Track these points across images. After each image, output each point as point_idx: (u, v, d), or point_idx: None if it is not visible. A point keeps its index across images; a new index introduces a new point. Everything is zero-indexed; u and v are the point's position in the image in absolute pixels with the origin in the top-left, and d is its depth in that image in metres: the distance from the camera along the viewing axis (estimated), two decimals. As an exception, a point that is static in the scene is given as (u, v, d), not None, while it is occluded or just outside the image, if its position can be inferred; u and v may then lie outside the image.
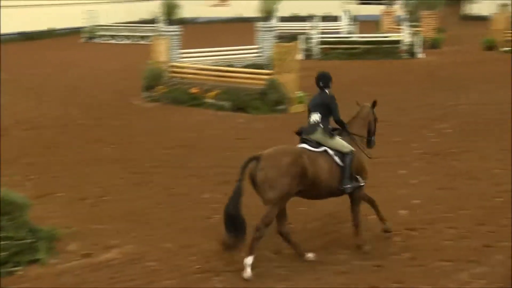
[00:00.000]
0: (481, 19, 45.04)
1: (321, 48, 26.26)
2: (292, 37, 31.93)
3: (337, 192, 7.47)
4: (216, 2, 50.19)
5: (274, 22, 23.99)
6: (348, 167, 7.37)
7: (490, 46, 27.95)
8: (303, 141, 7.53)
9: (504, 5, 38.04)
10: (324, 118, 7.57)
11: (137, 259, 7.53)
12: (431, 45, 29.37)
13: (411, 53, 26.14)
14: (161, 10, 19.43)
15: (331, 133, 7.50)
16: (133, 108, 16.43)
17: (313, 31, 26.48)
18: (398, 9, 39.00)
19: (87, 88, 19.43)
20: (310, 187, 7.19)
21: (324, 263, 7.35)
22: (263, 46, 21.41)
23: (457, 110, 15.73)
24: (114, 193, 9.82)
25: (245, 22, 40.18)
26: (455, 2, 49.74)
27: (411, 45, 26.25)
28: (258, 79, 16.32)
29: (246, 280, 6.91)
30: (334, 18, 40.31)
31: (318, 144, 7.45)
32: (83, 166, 11.23)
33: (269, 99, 15.71)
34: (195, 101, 16.49)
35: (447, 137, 13.09)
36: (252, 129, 13.98)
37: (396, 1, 41.72)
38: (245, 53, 21.36)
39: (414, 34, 26.51)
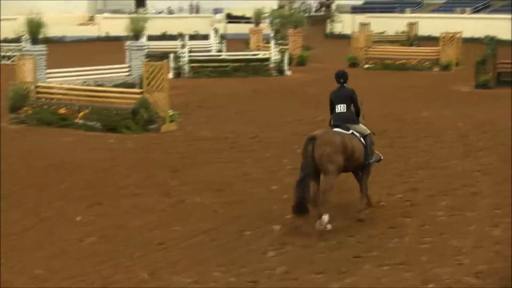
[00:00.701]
0: (344, 38, 46.88)
1: (191, 67, 26.35)
2: (162, 56, 31.75)
3: (361, 166, 9.18)
4: (83, 21, 49.17)
5: (143, 41, 23.79)
6: (370, 146, 9.22)
7: (353, 63, 29.13)
8: (336, 126, 9.25)
9: (364, 24, 39.92)
10: (349, 107, 9.40)
11: (5, 288, 7.16)
12: (298, 62, 30.23)
13: (280, 71, 26.74)
14: (26, 28, 18.71)
15: (357, 119, 9.37)
16: (-3, 130, 15.72)
17: (182, 50, 26.52)
18: (266, 28, 39.89)
19: None
20: (348, 161, 8.84)
21: None
22: (133, 65, 21.12)
23: (324, 125, 16.19)
24: (-21, 220, 9.31)
25: (114, 41, 39.56)
26: (319, 21, 51.53)
27: (279, 62, 26.86)
28: (129, 98, 16.10)
29: (328, 230, 8.55)
30: (204, 37, 40.53)
31: (347, 128, 9.16)
32: None
33: (140, 118, 15.53)
34: (64, 122, 16.01)
35: (316, 152, 13.45)
36: (124, 149, 13.77)
37: (263, 20, 42.68)
38: (115, 72, 21.00)
39: (281, 52, 27.17)
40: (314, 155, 8.70)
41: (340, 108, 9.44)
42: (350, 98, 9.49)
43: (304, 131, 15.43)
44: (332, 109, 9.56)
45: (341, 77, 9.65)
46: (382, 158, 9.73)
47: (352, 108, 9.48)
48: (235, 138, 14.86)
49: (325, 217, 8.63)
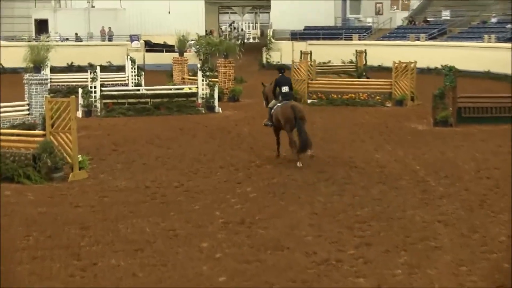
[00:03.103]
0: (286, 68, 47.42)
1: (104, 103, 26.20)
2: (68, 91, 31.58)
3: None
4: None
5: (46, 73, 23.62)
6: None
7: (295, 98, 29.46)
8: (286, 100, 17.24)
9: (305, 53, 40.65)
10: (291, 89, 17.70)
11: None
12: (230, 97, 30.47)
13: (209, 107, 26.89)
14: None
15: (294, 96, 18.48)
16: None
17: (93, 84, 26.32)
18: (191, 57, 40.14)
19: None
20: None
21: None
22: (33, 102, 20.89)
23: (260, 171, 16.34)
24: None
25: (10, 73, 39.15)
26: (254, 49, 52.16)
27: (208, 97, 27.01)
28: (29, 142, 15.87)
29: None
30: (118, 68, 40.45)
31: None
32: None
33: (43, 166, 15.30)
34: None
35: (252, 202, 13.51)
36: (23, 203, 13.49)
37: (188, 48, 42.92)
38: (11, 111, 20.72)
39: (210, 85, 27.29)
40: (296, 116, 16.72)
41: (286, 89, 17.45)
42: (290, 83, 17.89)
43: (238, 178, 15.55)
44: (276, 90, 17.76)
45: (282, 68, 18.42)
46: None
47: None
48: (157, 187, 14.80)
49: (310, 152, 16.69)
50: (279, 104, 17.33)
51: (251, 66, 47.95)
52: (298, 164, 16.58)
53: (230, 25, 69.39)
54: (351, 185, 14.91)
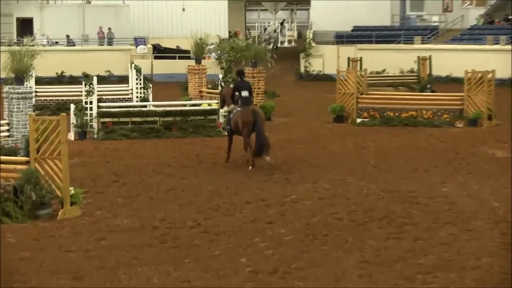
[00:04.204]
0: (326, 79, 47.61)
1: (102, 123, 26.35)
2: (58, 108, 31.90)
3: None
4: None
5: (30, 86, 23.81)
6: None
7: (339, 116, 29.57)
8: (246, 105, 20.85)
9: (354, 60, 40.66)
10: (250, 93, 21.01)
11: None
12: (259, 116, 30.56)
13: (232, 128, 26.99)
14: None
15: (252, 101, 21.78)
16: None
17: (88, 98, 26.42)
18: (211, 65, 40.32)
19: None
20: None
21: None
22: (14, 121, 21.14)
23: (297, 208, 16.34)
24: None
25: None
26: (290, 56, 52.32)
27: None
28: (8, 171, 16.00)
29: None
30: (120, 79, 40.74)
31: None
32: None
33: (26, 201, 15.41)
34: None
35: (287, 246, 13.50)
36: (2, 247, 13.58)
37: (208, 55, 43.15)
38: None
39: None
40: (256, 120, 20.51)
41: (245, 93, 21.05)
42: (250, 88, 21.54)
43: (269, 216, 15.57)
44: (235, 94, 21.34)
45: (242, 73, 22.20)
46: None
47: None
48: (168, 228, 14.83)
49: (268, 158, 20.49)
50: (239, 109, 21.20)
51: (285, 77, 48.22)
52: (250, 168, 20.53)
53: (260, 25, 69.72)
54: (412, 226, 14.85)
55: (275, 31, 66.95)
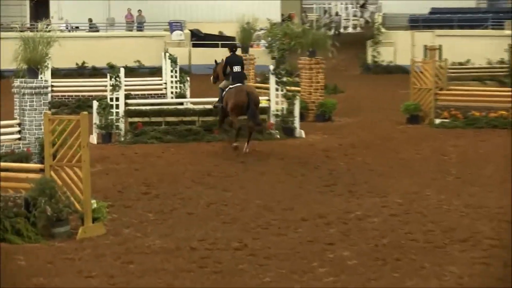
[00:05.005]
0: (398, 71, 47.43)
1: (131, 124, 26.44)
2: (79, 105, 32.12)
3: None
4: None
5: (45, 79, 23.96)
6: None
7: (415, 116, 29.40)
8: (238, 81, 24.07)
9: (432, 49, 40.43)
10: (242, 69, 24.63)
11: None
12: (318, 115, 30.43)
13: (286, 129, 27.21)
14: None
15: (247, 76, 26.48)
16: None
17: (115, 94, 26.46)
18: (261, 55, 40.32)
19: None
20: None
21: None
22: (26, 121, 21.28)
23: (363, 226, 16.30)
24: None
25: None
26: (354, 43, 52.18)
27: (285, 115, 27.25)
28: (19, 180, 16.12)
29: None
30: (152, 71, 40.92)
31: (244, 83, 24.57)
32: None
33: (40, 216, 15.50)
34: None
35: (351, 272, 13.48)
36: (11, 271, 13.70)
37: (256, 42, 43.15)
38: (-3, 134, 21.11)
39: (289, 97, 27.38)
40: (250, 102, 23.25)
41: (237, 68, 24.10)
42: (242, 62, 24.40)
43: (330, 236, 15.53)
44: (227, 69, 24.40)
45: (234, 47, 25.56)
46: None
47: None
48: (208, 249, 14.87)
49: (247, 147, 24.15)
50: (231, 86, 24.01)
51: (350, 68, 48.21)
52: (235, 146, 24.15)
53: (319, 7, 69.66)
54: (501, 249, 14.74)
55: (337, 13, 66.81)
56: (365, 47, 51.08)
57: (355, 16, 67.60)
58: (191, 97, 31.41)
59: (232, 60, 24.49)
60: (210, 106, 26.99)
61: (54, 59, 27.43)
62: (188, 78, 33.62)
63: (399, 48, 48.97)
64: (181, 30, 51.01)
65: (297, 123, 27.37)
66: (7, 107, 22.30)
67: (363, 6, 68.83)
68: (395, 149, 24.93)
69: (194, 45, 50.17)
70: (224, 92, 24.14)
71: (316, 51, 32.13)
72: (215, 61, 26.31)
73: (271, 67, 29.31)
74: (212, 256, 14.46)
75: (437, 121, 29.19)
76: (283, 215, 17.27)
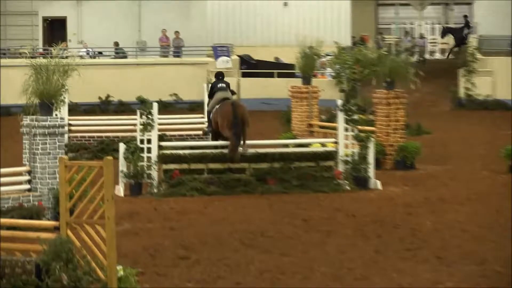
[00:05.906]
0: (498, 107, 47.35)
1: (165, 171, 26.53)
2: (101, 149, 32.34)
3: None
4: None
5: (61, 116, 24.08)
6: None
7: (233, 92, 29.35)
8: (225, 96, 28.65)
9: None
10: (229, 89, 29.51)
11: None
12: (398, 161, 30.39)
13: (359, 179, 27.18)
14: None
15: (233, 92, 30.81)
16: None
17: (146, 135, 26.53)
18: (327, 87, 40.32)
19: None
20: None
21: None
22: (38, 168, 21.42)
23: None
24: None
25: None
26: (444, 72, 52.05)
27: (356, 161, 27.21)
28: (29, 241, 16.20)
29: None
30: (192, 106, 41.08)
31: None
32: None
33: (54, 284, 15.57)
34: None
35: None
36: None
37: (321, 70, 43.25)
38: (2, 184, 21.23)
39: (362, 139, 27.33)
40: (238, 115, 26.92)
41: (221, 84, 28.75)
42: (228, 84, 29.33)
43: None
44: (213, 92, 28.90)
45: (220, 75, 30.22)
46: None
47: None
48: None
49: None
50: (217, 106, 27.80)
51: (437, 104, 48.19)
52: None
53: (399, 27, 69.75)
54: None
55: (421, 36, 66.79)
56: (456, 77, 50.99)
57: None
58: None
59: (216, 83, 29.28)
60: (263, 150, 27.05)
61: (72, 91, 27.68)
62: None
63: (499, 79, 48.77)
64: (228, 56, 51.15)
65: (371, 171, 27.38)
66: (14, 151, 22.40)
67: (467, 26, 68.81)
68: (496, 206, 24.75)
69: (244, 75, 50.33)
70: (211, 114, 28.17)
71: (395, 82, 32.05)
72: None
73: (339, 102, 29.30)
74: (267, 338, 14.45)
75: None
76: (356, 285, 17.22)
